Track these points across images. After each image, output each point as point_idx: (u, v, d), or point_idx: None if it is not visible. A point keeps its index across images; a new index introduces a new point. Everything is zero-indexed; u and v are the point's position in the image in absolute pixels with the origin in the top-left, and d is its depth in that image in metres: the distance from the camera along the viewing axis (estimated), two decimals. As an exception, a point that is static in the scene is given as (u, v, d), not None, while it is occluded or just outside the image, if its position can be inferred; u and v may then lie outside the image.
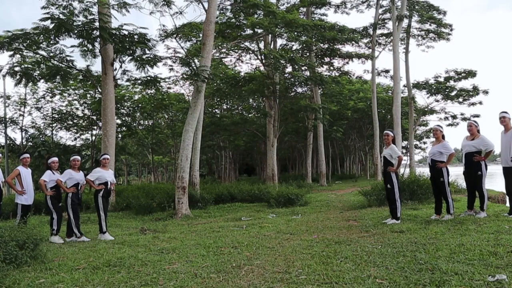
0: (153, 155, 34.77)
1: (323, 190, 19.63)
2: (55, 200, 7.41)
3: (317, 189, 20.80)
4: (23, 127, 26.15)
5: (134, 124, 28.11)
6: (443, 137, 7.10)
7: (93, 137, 26.80)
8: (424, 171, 15.74)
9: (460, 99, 28.37)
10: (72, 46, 13.33)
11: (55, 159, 7.78)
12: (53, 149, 25.00)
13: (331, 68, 27.46)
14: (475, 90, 27.42)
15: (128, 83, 17.93)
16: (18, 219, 7.22)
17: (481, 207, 6.81)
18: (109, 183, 7.48)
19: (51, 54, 13.33)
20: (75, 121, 26.72)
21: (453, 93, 28.05)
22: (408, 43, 28.55)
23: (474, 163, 6.76)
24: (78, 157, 7.74)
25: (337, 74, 27.69)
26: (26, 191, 7.55)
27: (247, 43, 21.73)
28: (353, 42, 23.88)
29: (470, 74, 27.13)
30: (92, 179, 7.44)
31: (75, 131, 27.63)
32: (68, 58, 13.54)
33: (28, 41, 12.42)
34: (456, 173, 13.40)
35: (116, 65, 13.42)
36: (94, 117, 25.10)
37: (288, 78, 23.19)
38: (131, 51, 12.54)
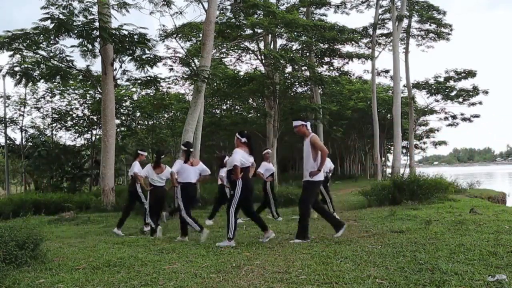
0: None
1: (323, 190, 19.60)
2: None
3: (317, 189, 20.77)
4: (23, 127, 26.15)
5: (134, 124, 28.13)
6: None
7: (93, 137, 26.80)
8: (424, 171, 15.76)
9: (460, 99, 28.41)
10: (72, 46, 13.35)
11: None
12: (53, 149, 24.98)
13: (331, 68, 27.43)
14: (475, 90, 27.46)
15: (128, 83, 17.94)
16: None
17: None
18: None
19: (51, 54, 13.33)
20: (74, 121, 26.73)
21: (453, 93, 28.08)
22: (408, 43, 28.56)
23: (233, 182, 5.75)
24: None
25: (337, 74, 27.66)
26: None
27: (247, 43, 21.72)
28: (353, 42, 23.85)
29: (470, 74, 27.16)
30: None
31: (75, 131, 27.64)
32: (68, 58, 13.56)
33: (28, 41, 12.43)
34: (456, 173, 13.41)
35: (116, 65, 13.43)
36: (94, 117, 25.10)
37: (288, 78, 23.17)
38: (131, 51, 12.55)
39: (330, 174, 8.51)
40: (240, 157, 5.65)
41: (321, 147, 5.66)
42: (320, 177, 5.72)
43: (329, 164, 8.40)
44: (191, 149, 6.77)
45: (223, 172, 8.37)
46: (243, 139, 5.81)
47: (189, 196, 6.60)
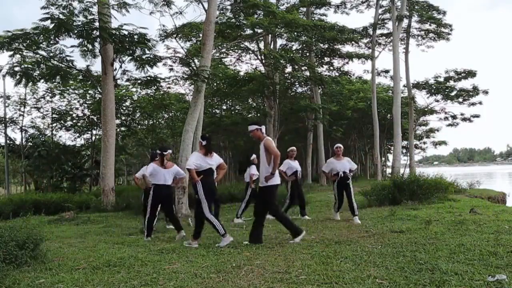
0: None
1: (323, 190, 19.62)
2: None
3: (317, 189, 20.80)
4: (23, 127, 26.14)
5: (134, 124, 28.13)
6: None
7: (93, 137, 26.79)
8: (424, 171, 15.75)
9: (460, 99, 28.40)
10: (72, 46, 13.34)
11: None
12: (53, 149, 24.97)
13: (331, 68, 27.44)
14: (475, 90, 27.46)
15: (128, 83, 17.95)
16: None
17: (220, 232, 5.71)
18: None
19: (51, 54, 13.33)
20: (74, 121, 26.73)
21: (453, 93, 28.08)
22: (408, 43, 28.55)
23: (194, 185, 5.85)
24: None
25: (337, 74, 27.67)
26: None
27: (247, 43, 21.73)
28: (353, 42, 23.87)
29: (470, 74, 27.16)
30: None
31: (75, 131, 27.63)
32: (68, 58, 13.55)
33: (28, 41, 12.42)
34: (456, 173, 13.40)
35: (116, 65, 13.43)
36: (94, 117, 25.10)
37: (288, 78, 23.17)
38: (131, 51, 12.55)
39: (352, 174, 8.38)
40: (193, 160, 5.72)
41: (273, 150, 5.55)
42: (276, 181, 5.65)
43: (348, 165, 8.24)
44: (165, 153, 6.93)
45: (253, 170, 9.11)
46: (204, 142, 5.88)
47: (161, 196, 6.75)
